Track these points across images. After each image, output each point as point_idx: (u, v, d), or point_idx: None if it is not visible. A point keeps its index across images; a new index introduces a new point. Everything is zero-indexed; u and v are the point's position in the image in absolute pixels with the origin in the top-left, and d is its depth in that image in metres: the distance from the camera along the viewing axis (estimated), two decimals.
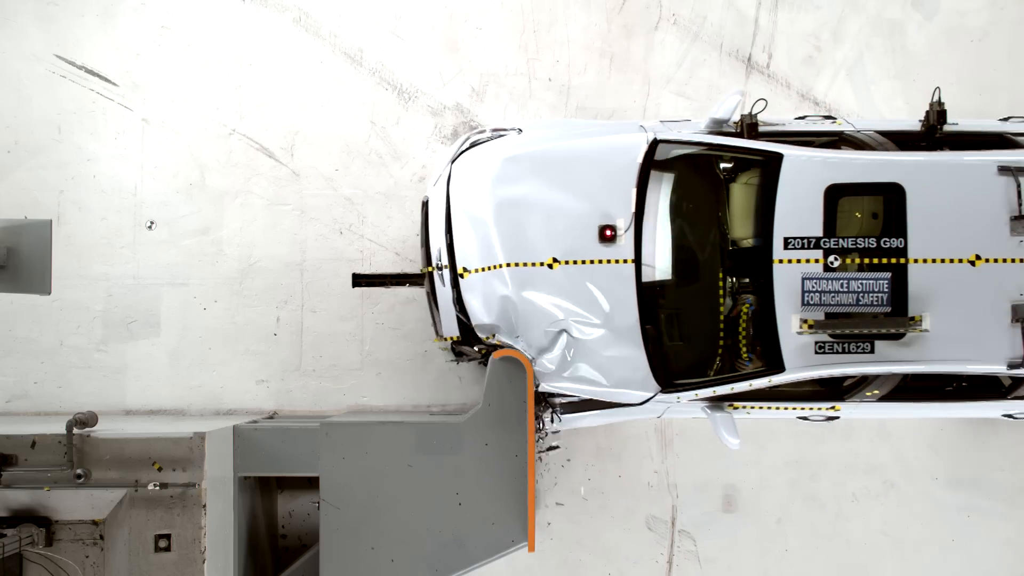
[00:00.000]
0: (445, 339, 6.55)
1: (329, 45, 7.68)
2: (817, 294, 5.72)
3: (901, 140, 6.14)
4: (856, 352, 5.78)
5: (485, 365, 6.43)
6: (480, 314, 6.19)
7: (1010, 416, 6.41)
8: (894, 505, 7.66)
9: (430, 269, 6.46)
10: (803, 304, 5.75)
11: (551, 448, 7.43)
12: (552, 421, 6.45)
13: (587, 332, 6.03)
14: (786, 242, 5.83)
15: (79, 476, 6.06)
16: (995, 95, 7.69)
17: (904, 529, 7.67)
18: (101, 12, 7.60)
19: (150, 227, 7.45)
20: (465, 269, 6.18)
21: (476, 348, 6.36)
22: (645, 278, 5.99)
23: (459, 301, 6.32)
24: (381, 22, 7.69)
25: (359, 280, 6.90)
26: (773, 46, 7.77)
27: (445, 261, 6.32)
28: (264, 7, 7.66)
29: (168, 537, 6.15)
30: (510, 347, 6.12)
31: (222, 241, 7.57)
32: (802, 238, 5.82)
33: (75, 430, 6.08)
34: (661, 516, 7.63)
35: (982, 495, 7.66)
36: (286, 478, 7.12)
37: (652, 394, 6.06)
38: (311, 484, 6.61)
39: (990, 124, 6.39)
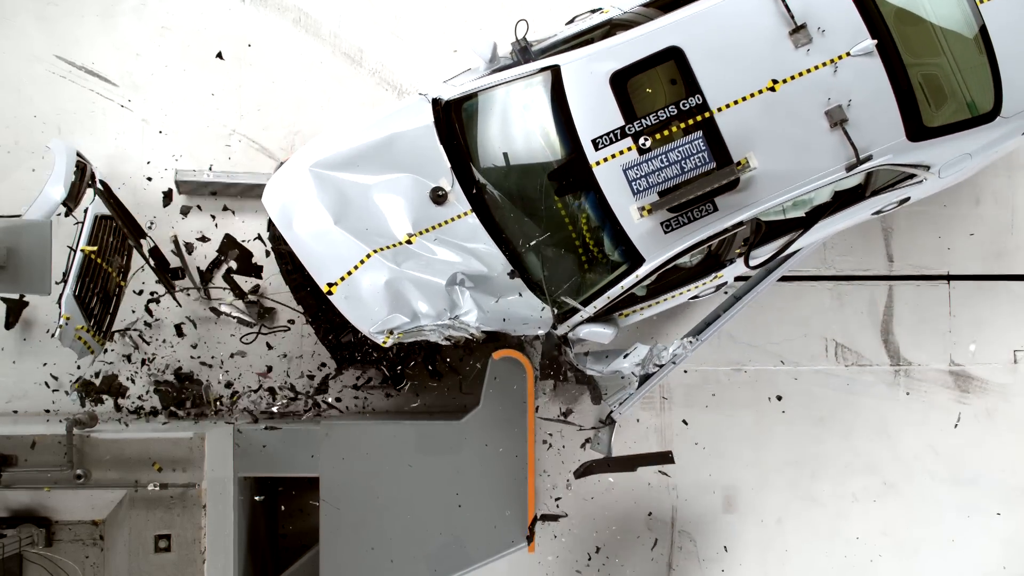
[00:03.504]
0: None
1: (329, 45, 7.68)
2: (643, 179, 5.70)
3: (672, 5, 6.08)
4: (701, 217, 5.77)
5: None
6: (371, 316, 6.00)
7: (879, 212, 6.40)
8: (894, 505, 7.66)
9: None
10: (634, 193, 5.73)
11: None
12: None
13: (477, 284, 6.06)
14: (595, 144, 5.82)
15: (79, 476, 6.07)
16: None
17: (904, 529, 7.67)
18: (101, 12, 7.59)
19: (150, 227, 7.44)
20: (330, 284, 6.03)
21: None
22: (497, 226, 6.05)
23: (323, 319, 6.36)
24: (381, 22, 7.69)
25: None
26: None
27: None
28: (264, 7, 7.66)
29: (168, 537, 6.17)
30: (416, 329, 6.01)
31: None
32: (607, 134, 5.79)
33: (75, 430, 6.08)
34: (661, 516, 7.63)
35: (982, 495, 7.66)
36: (286, 478, 7.12)
37: (547, 328, 6.15)
38: (311, 484, 6.61)
39: None
